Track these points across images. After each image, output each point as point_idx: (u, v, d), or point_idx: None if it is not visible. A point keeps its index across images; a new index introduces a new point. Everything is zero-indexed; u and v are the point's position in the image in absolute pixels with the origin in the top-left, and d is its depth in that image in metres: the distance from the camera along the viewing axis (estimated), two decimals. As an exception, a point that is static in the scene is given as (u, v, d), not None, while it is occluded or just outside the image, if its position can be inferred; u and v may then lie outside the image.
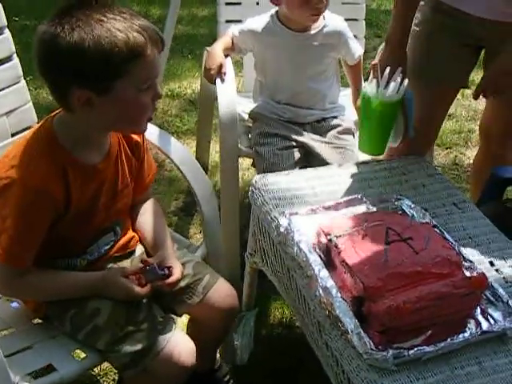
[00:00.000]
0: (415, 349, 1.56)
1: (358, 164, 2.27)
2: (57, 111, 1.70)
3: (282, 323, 2.48)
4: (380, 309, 1.59)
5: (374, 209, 2.00)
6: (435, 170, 2.29)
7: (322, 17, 2.48)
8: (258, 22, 2.55)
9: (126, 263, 1.87)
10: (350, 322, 1.60)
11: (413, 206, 2.02)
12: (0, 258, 1.63)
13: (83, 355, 1.76)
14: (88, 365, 1.76)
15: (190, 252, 2.00)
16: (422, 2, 2.24)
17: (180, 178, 3.23)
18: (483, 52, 2.33)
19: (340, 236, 1.79)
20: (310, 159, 2.47)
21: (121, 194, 1.81)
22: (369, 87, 2.13)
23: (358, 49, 2.59)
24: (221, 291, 1.93)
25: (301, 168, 2.38)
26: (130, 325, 1.71)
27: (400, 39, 2.20)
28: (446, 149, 3.62)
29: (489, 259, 1.89)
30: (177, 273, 1.80)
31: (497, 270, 1.86)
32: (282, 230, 1.88)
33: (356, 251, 1.72)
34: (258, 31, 2.54)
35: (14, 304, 1.91)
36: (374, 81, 2.12)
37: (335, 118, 2.59)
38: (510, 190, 2.59)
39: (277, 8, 2.51)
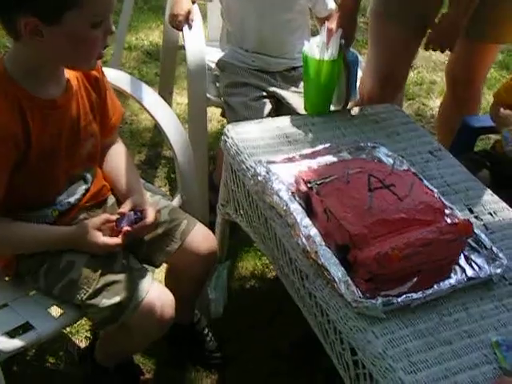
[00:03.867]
0: (403, 296, 1.54)
1: (331, 112, 2.23)
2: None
3: (254, 275, 2.45)
4: (367, 256, 1.56)
5: (351, 157, 1.97)
6: (408, 117, 2.26)
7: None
8: None
9: (98, 213, 1.79)
10: (336, 271, 1.57)
11: (389, 153, 1.99)
12: None
13: (60, 311, 1.69)
14: (66, 321, 1.70)
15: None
16: None
17: (141, 131, 3.14)
18: None
19: (321, 184, 1.75)
20: (281, 109, 2.42)
21: (84, 131, 1.71)
22: (308, 46, 2.10)
23: (330, 0, 2.52)
24: (199, 236, 1.88)
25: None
26: (106, 276, 1.64)
27: (353, 4, 2.16)
28: (409, 100, 3.60)
29: (468, 206, 1.88)
30: (150, 216, 1.73)
31: (476, 217, 1.85)
32: (259, 178, 1.83)
33: (339, 199, 1.69)
34: None
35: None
36: (314, 39, 2.09)
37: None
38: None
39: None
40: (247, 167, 1.92)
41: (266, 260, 2.45)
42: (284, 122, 2.14)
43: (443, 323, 1.54)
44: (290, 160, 1.92)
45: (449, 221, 1.71)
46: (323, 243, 1.62)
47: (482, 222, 1.82)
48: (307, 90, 2.20)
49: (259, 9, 2.44)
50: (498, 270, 1.64)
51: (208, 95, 2.44)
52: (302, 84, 2.47)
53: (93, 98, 1.75)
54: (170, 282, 1.94)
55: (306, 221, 1.68)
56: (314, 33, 2.65)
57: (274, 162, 1.89)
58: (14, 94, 1.55)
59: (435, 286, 1.58)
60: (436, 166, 2.03)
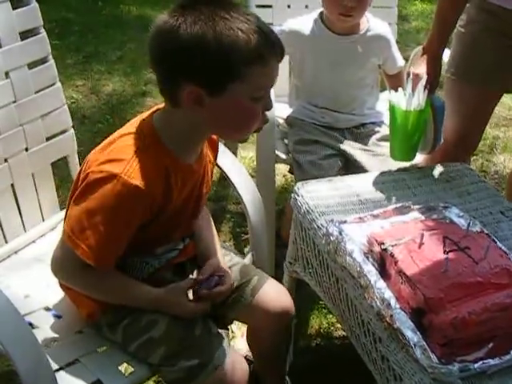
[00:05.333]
0: (480, 362, 1.51)
1: (400, 171, 2.23)
2: (153, 109, 1.65)
3: (320, 333, 2.43)
4: (443, 320, 1.54)
5: (423, 217, 1.96)
6: (478, 177, 2.25)
7: (365, 20, 2.44)
8: (301, 23, 2.51)
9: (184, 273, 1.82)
10: (412, 335, 1.55)
11: (461, 214, 1.97)
12: (86, 256, 1.54)
13: (130, 369, 1.70)
14: (136, 379, 1.69)
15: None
16: (467, 4, 2.21)
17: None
18: None
19: (395, 245, 1.74)
20: (349, 167, 2.43)
21: (204, 197, 1.76)
22: (394, 96, 2.12)
23: (399, 58, 2.55)
24: (271, 292, 1.86)
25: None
26: (188, 339, 1.65)
27: (438, 49, 2.18)
28: (473, 156, 3.57)
29: (543, 268, 1.85)
30: (228, 282, 1.75)
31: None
32: (332, 238, 1.84)
33: (414, 261, 1.68)
34: (301, 32, 2.50)
35: (53, 312, 1.85)
36: (400, 89, 2.10)
37: (373, 123, 2.55)
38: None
39: (314, 11, 2.48)
40: (318, 226, 1.93)
41: (333, 318, 2.44)
42: (354, 180, 2.15)
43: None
44: (362, 220, 1.92)
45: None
46: (398, 306, 1.61)
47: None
48: (394, 139, 2.20)
49: (333, 66, 2.47)
50: None
51: (276, 152, 2.47)
52: (370, 141, 2.50)
53: (212, 164, 1.80)
54: (251, 341, 1.94)
55: (380, 283, 1.68)
56: (382, 90, 2.70)
57: (345, 222, 1.90)
58: (165, 160, 1.58)
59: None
60: (508, 226, 2.00)
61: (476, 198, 2.12)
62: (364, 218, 1.93)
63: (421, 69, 2.15)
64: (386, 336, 1.62)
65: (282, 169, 3.15)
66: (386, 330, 1.63)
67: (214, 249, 1.81)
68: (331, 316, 2.42)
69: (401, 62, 2.56)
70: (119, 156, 1.53)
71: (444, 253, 1.69)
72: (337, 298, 1.89)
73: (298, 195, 2.05)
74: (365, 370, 1.75)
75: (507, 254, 1.76)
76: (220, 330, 1.74)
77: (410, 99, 2.08)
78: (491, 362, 1.52)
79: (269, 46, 1.49)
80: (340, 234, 1.83)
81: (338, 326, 2.41)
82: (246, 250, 2.71)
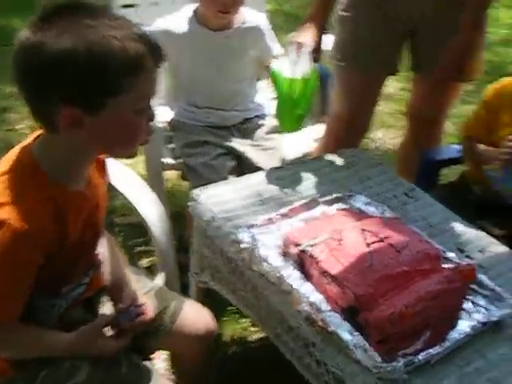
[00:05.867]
0: (424, 353, 1.47)
1: (297, 163, 2.18)
2: (34, 135, 1.46)
3: (235, 340, 2.33)
4: (380, 317, 1.49)
5: (332, 209, 1.91)
6: (376, 160, 2.23)
7: (240, 13, 2.35)
8: (172, 22, 2.38)
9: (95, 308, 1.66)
10: (350, 337, 1.49)
11: (368, 201, 1.94)
12: None
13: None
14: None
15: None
16: None
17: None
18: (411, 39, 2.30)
19: (314, 245, 1.67)
20: (242, 165, 2.34)
21: (101, 223, 1.60)
22: (278, 64, 2.04)
23: (275, 47, 2.48)
24: (191, 315, 1.75)
25: (237, 175, 2.24)
26: (115, 378, 1.51)
27: (322, 18, 2.14)
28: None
29: (457, 246, 1.84)
30: (150, 311, 1.61)
31: (468, 256, 1.81)
32: (244, 245, 1.74)
33: (337, 259, 1.62)
34: (174, 31, 2.37)
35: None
36: (282, 57, 2.03)
37: (258, 117, 2.47)
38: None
39: (186, 7, 2.36)
40: (226, 233, 1.83)
41: (245, 323, 2.36)
42: (253, 179, 2.07)
43: (465, 375, 1.48)
44: (271, 221, 1.84)
45: (447, 267, 1.67)
46: (328, 308, 1.55)
47: (476, 261, 1.79)
48: (280, 110, 2.12)
49: (210, 63, 2.37)
50: (507, 311, 1.60)
51: (163, 159, 2.35)
52: (258, 135, 2.42)
53: (103, 186, 1.62)
54: (175, 367, 1.82)
55: (305, 287, 1.61)
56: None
57: (254, 226, 1.81)
58: (49, 190, 1.39)
59: (452, 337, 1.53)
60: (414, 207, 1.99)
61: (377, 182, 2.09)
62: (273, 219, 1.85)
63: (304, 37, 2.09)
64: (320, 340, 1.55)
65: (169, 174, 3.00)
66: (319, 334, 1.56)
67: (125, 277, 1.66)
68: (243, 320, 2.34)
69: (276, 49, 2.49)
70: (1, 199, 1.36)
71: (366, 246, 1.64)
72: (256, 306, 1.80)
73: (198, 202, 1.94)
74: (289, 371, 1.68)
75: (421, 236, 1.74)
76: (145, 362, 1.61)
77: (294, 67, 2.00)
78: (432, 351, 1.48)
79: (147, 52, 1.35)
80: (252, 239, 1.74)
81: (252, 329, 2.33)
82: (141, 262, 2.58)
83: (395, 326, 1.48)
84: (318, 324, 1.55)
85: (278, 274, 1.65)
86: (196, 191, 1.98)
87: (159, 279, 1.93)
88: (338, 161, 2.17)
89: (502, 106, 2.13)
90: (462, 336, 1.53)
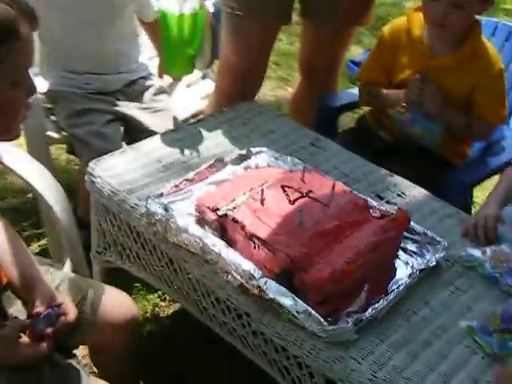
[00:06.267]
0: (370, 309, 1.39)
1: (193, 124, 2.02)
2: None
3: (148, 319, 2.16)
4: (319, 277, 1.39)
5: (240, 168, 1.79)
6: (275, 112, 2.12)
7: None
8: None
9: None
10: (291, 302, 1.38)
11: (276, 155, 1.83)
12: None
13: None
14: None
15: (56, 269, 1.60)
16: None
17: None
18: None
19: (234, 208, 1.55)
20: (133, 130, 2.15)
21: None
22: (165, 3, 1.89)
23: (154, 4, 2.27)
24: (112, 300, 1.57)
25: (129, 142, 2.05)
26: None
27: None
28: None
29: (375, 193, 1.77)
30: (72, 310, 1.41)
31: (388, 202, 1.75)
32: (157, 217, 1.58)
33: (262, 221, 1.50)
34: None
35: None
36: None
37: (143, 78, 2.28)
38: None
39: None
40: (132, 206, 1.66)
41: (155, 299, 2.20)
42: (149, 145, 1.90)
43: (413, 325, 1.43)
44: (179, 188, 1.69)
45: (375, 215, 1.60)
46: (260, 275, 1.42)
47: (397, 207, 1.72)
48: (168, 51, 1.96)
49: (87, 23, 2.12)
50: (443, 254, 1.55)
51: (47, 133, 2.12)
52: (146, 98, 2.25)
53: None
54: (99, 365, 1.63)
55: (232, 254, 1.47)
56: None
57: (162, 195, 1.65)
58: None
59: (393, 288, 1.46)
60: (325, 157, 1.90)
61: (281, 134, 1.98)
62: (180, 186, 1.70)
63: None
64: (256, 309, 1.44)
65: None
66: (254, 303, 1.44)
67: (37, 272, 1.45)
68: (152, 296, 2.18)
69: (156, 7, 2.29)
70: None
71: (291, 203, 1.53)
72: (174, 280, 1.66)
73: (95, 176, 1.75)
74: (210, 344, 1.61)
75: (343, 187, 1.65)
76: (69, 360, 1.43)
77: (181, 4, 1.86)
78: (378, 305, 1.40)
79: (20, 16, 1.22)
80: (166, 210, 1.58)
81: (163, 304, 2.18)
82: (31, 248, 2.33)
83: (337, 284, 1.39)
84: (253, 292, 1.42)
85: (200, 244, 1.51)
86: (91, 164, 1.78)
87: (66, 266, 1.73)
88: (235, 116, 2.04)
89: (398, 47, 2.06)
90: (402, 287, 1.46)
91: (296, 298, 1.38)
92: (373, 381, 1.30)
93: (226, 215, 1.54)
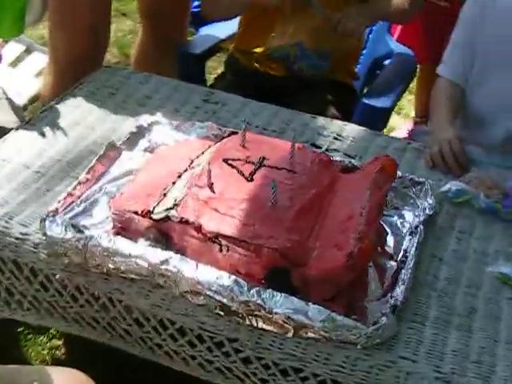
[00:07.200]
0: (397, 290, 1.07)
1: (49, 109, 1.53)
2: None
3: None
4: (331, 267, 1.05)
5: (139, 150, 1.37)
6: (142, 74, 1.68)
7: None
8: None
9: None
10: (310, 311, 1.02)
11: (175, 123, 1.43)
12: None
13: None
14: None
15: None
16: None
17: None
18: None
19: (176, 205, 1.14)
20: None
21: None
22: None
23: None
24: None
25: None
26: None
27: None
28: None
29: (309, 142, 1.44)
30: None
31: (328, 150, 1.42)
32: (69, 244, 1.12)
33: (222, 213, 1.11)
34: None
35: None
36: None
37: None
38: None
39: None
40: (18, 238, 1.19)
41: (49, 339, 1.70)
42: (2, 149, 1.40)
43: (443, 292, 1.15)
44: (74, 196, 1.24)
45: (338, 167, 1.27)
46: (248, 286, 1.05)
47: (341, 152, 1.41)
48: None
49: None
50: (432, 197, 1.27)
51: None
52: None
53: None
54: None
55: (199, 268, 1.07)
56: None
57: (57, 212, 1.19)
58: None
59: (406, 255, 1.15)
60: (229, 113, 1.54)
61: (162, 97, 1.59)
62: (74, 192, 1.25)
63: None
64: (247, 332, 1.07)
65: None
66: (242, 325, 1.06)
67: None
68: (44, 338, 1.68)
69: None
70: None
71: (248, 181, 1.16)
72: (102, 320, 1.22)
73: None
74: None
75: (287, 143, 1.29)
76: None
77: None
78: (404, 281, 1.09)
79: None
80: (78, 231, 1.13)
81: (60, 343, 1.70)
82: None
83: (354, 270, 1.06)
84: (242, 312, 1.05)
85: (145, 265, 1.09)
86: None
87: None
88: (97, 87, 1.59)
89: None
90: (413, 249, 1.15)
91: (311, 304, 1.02)
92: (440, 379, 1.00)
93: (167, 217, 1.13)
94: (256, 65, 1.82)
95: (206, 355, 1.14)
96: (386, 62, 1.93)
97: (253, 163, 1.18)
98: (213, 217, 1.10)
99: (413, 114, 2.52)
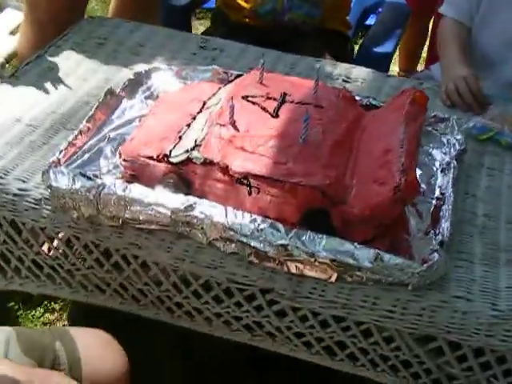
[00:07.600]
0: (443, 225, 1.00)
1: (34, 61, 1.39)
2: None
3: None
4: (375, 203, 0.96)
5: (140, 96, 1.26)
6: (130, 22, 1.56)
7: None
8: None
9: None
10: (360, 256, 0.93)
11: (174, 70, 1.32)
12: None
13: None
14: None
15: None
16: None
17: None
18: None
19: (197, 146, 1.04)
20: None
21: None
22: None
23: None
24: (95, 351, 1.01)
25: None
26: None
27: None
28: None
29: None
30: None
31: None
32: (79, 194, 1.01)
33: (249, 151, 1.01)
34: None
35: None
36: None
37: None
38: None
39: None
40: (16, 194, 1.08)
41: (41, 314, 1.59)
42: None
43: (485, 229, 1.08)
44: (75, 146, 1.13)
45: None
46: (285, 229, 0.96)
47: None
48: None
49: None
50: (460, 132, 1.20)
51: None
52: None
53: None
54: None
55: (228, 210, 0.98)
56: None
57: (60, 163, 1.08)
58: None
59: (442, 192, 1.07)
60: (230, 59, 1.44)
61: (155, 45, 1.47)
62: (75, 142, 1.13)
63: None
64: (285, 281, 0.98)
65: None
66: (278, 273, 0.98)
67: None
68: (37, 312, 1.57)
69: None
70: None
71: (273, 117, 1.06)
72: (112, 282, 1.12)
73: None
74: None
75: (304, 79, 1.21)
76: None
77: None
78: (445, 215, 1.01)
79: None
80: (88, 178, 1.02)
81: (53, 317, 1.58)
82: None
83: (402, 204, 0.98)
84: (280, 259, 0.96)
85: (168, 213, 0.99)
86: None
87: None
88: (83, 38, 1.47)
89: None
90: (450, 185, 1.08)
91: (356, 244, 0.94)
92: (497, 316, 0.92)
93: (188, 160, 1.03)
94: (246, 20, 1.74)
95: (233, 311, 1.06)
96: (379, 10, 1.86)
97: (275, 99, 1.09)
98: (240, 156, 1.00)
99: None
